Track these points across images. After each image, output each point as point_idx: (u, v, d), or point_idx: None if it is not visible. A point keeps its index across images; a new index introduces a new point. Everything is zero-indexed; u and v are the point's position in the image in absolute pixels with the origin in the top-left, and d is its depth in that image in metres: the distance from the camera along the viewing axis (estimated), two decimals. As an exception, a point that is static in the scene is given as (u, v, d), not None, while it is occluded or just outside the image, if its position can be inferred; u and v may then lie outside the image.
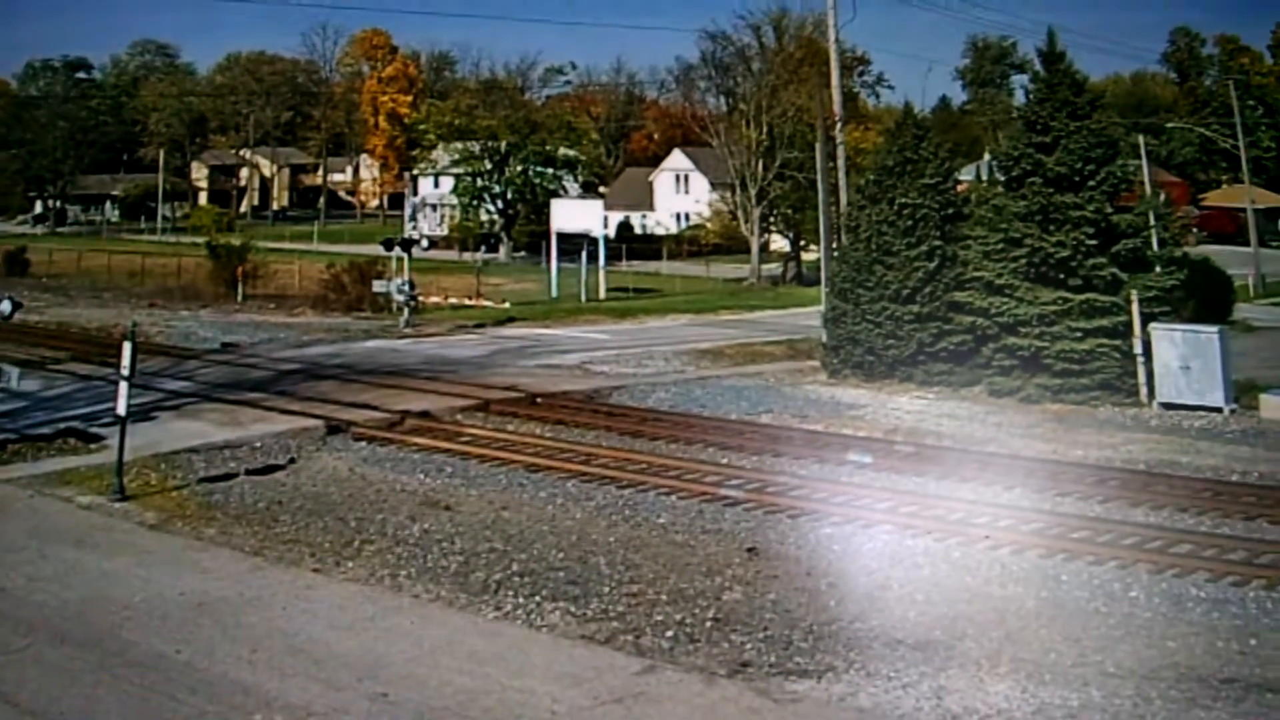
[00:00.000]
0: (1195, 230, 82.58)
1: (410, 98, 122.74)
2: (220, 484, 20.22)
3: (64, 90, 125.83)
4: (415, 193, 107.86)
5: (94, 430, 23.09)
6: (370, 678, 12.10)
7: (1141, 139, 57.55)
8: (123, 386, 19.51)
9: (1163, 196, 35.28)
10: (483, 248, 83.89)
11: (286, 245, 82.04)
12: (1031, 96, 31.43)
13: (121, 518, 18.08)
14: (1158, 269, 29.64)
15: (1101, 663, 12.66)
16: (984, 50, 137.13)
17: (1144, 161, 53.06)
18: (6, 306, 24.95)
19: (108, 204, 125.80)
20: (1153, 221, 30.71)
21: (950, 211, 31.28)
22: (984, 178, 35.49)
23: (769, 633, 13.52)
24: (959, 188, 33.70)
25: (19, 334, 35.25)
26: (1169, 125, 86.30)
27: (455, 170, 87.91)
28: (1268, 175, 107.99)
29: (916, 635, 13.44)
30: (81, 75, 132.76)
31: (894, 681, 12.13)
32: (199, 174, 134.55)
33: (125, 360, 19.42)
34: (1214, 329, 27.97)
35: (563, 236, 61.67)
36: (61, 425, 23.59)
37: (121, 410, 19.54)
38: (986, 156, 51.65)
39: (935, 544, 17.01)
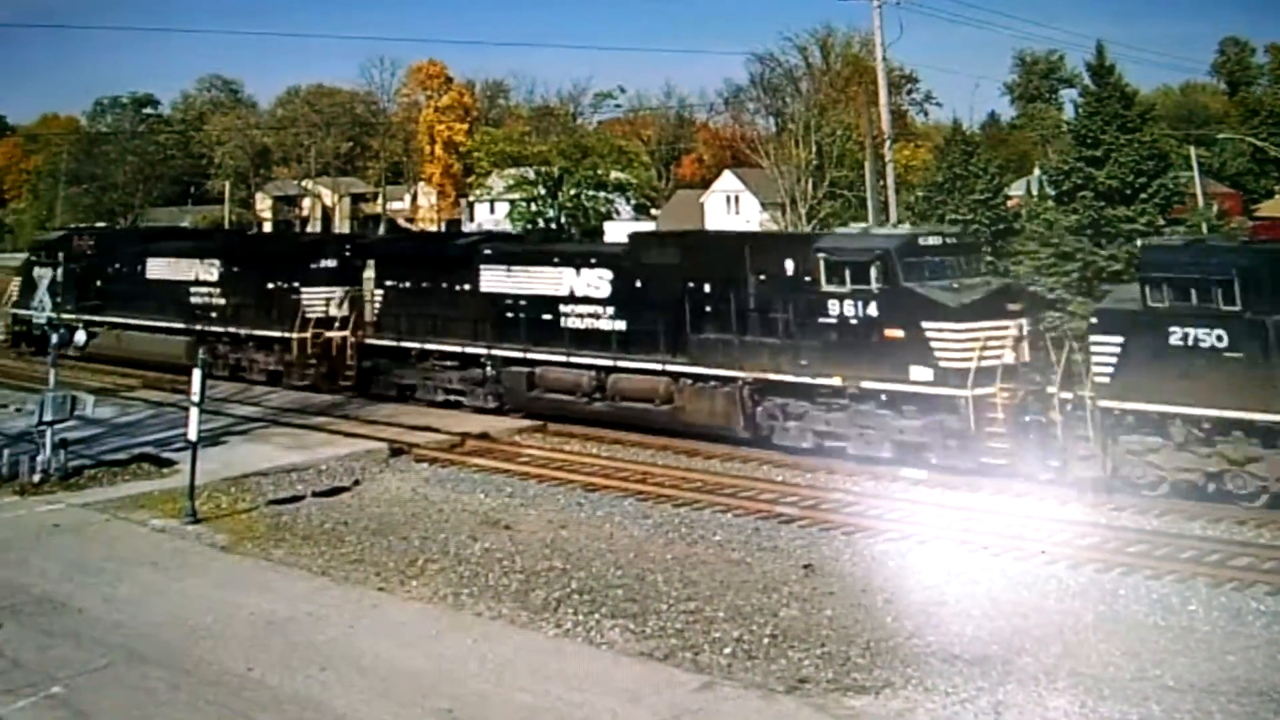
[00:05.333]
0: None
1: (466, 126, 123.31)
2: (288, 506, 20.71)
3: (132, 126, 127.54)
4: (472, 219, 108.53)
5: (166, 455, 23.63)
6: (435, 694, 12.40)
7: (1193, 150, 56.99)
8: (193, 413, 20.04)
9: (1215, 208, 34.97)
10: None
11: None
12: (1081, 110, 31.38)
13: (194, 540, 18.55)
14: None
15: (1160, 677, 12.72)
16: (1032, 65, 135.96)
17: (1195, 173, 52.49)
18: (81, 336, 25.67)
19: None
20: (1206, 233, 30.57)
21: (1001, 227, 31.30)
22: (1034, 192, 35.46)
23: (826, 649, 13.68)
24: (1009, 203, 33.72)
25: (92, 363, 35.84)
26: (1220, 136, 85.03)
27: (510, 196, 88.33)
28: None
29: (973, 650, 13.55)
30: (149, 111, 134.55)
31: (952, 697, 12.25)
32: (263, 204, 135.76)
33: (195, 387, 19.95)
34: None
35: (617, 259, 61.78)
36: (135, 451, 24.18)
37: (193, 436, 20.06)
38: (1036, 171, 51.37)
39: (991, 559, 17.10)
